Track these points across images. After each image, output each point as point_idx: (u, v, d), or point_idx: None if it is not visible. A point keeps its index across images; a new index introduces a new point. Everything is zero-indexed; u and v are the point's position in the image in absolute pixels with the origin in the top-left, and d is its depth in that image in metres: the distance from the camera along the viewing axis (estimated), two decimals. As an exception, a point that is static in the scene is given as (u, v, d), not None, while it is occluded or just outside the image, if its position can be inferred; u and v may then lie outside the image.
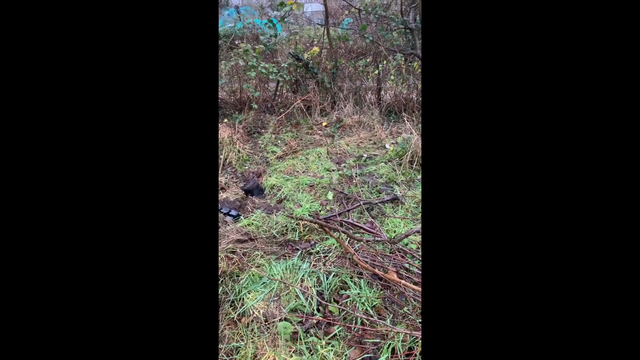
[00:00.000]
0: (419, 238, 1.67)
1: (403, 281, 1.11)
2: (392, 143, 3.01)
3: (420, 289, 1.09)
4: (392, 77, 3.65)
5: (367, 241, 1.46)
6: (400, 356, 1.08)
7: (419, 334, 1.08)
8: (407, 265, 1.46)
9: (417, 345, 1.09)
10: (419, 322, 1.20)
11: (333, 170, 2.59)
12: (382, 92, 3.85)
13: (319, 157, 2.83)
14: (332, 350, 1.13)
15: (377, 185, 2.34)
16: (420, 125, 3.16)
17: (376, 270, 1.32)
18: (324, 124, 3.54)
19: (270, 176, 2.48)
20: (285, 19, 3.52)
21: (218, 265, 1.46)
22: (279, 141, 3.18)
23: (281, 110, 3.64)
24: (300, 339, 1.18)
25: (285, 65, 3.54)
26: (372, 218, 1.96)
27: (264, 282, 1.46)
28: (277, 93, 3.94)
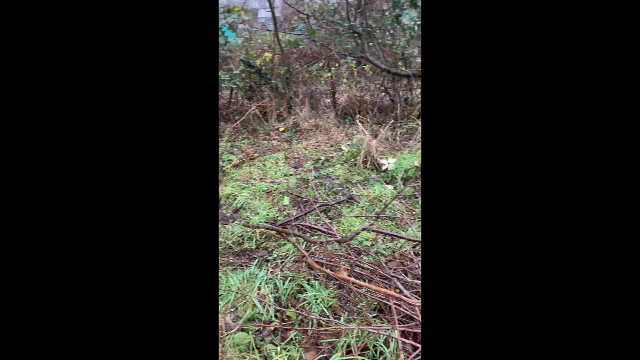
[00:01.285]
0: (372, 235, 1.73)
1: (352, 278, 1.14)
2: (348, 145, 3.08)
3: (368, 284, 1.13)
4: (345, 80, 3.75)
5: (321, 242, 1.49)
6: (355, 351, 1.11)
7: (370, 328, 1.12)
8: (365, 263, 1.51)
9: (368, 339, 1.13)
10: (372, 317, 1.24)
11: (291, 175, 2.60)
12: (337, 96, 3.94)
13: (277, 162, 2.83)
14: (287, 355, 1.13)
15: (333, 187, 2.38)
16: (373, 127, 3.27)
17: (328, 271, 1.35)
18: (281, 129, 3.55)
19: (225, 185, 2.44)
20: (241, 25, 3.49)
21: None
22: (235, 149, 3.13)
23: (236, 117, 3.59)
24: (256, 347, 1.17)
25: (237, 72, 3.50)
26: (329, 219, 1.99)
27: (220, 295, 1.43)
28: (232, 100, 3.88)
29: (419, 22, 3.25)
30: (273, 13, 3.42)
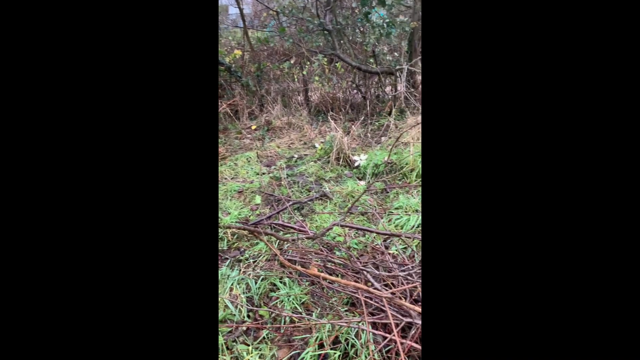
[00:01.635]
0: (345, 230, 1.75)
1: (322, 274, 1.15)
2: (321, 142, 3.09)
3: (339, 279, 1.15)
4: (317, 78, 3.75)
5: (293, 240, 1.49)
6: (326, 344, 1.12)
7: (341, 322, 1.14)
8: (337, 259, 1.52)
9: (341, 332, 1.14)
10: (344, 311, 1.26)
11: (263, 173, 2.58)
12: (309, 93, 3.93)
13: (249, 161, 2.79)
14: (259, 354, 1.13)
15: (307, 184, 2.38)
16: (345, 124, 3.30)
17: (299, 267, 1.36)
18: (253, 127, 3.50)
19: (196, 186, 2.37)
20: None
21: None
22: (206, 149, 3.05)
23: (207, 116, 3.50)
24: (227, 349, 1.16)
25: (206, 69, 3.41)
26: (303, 216, 1.99)
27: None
28: (202, 99, 3.77)
29: (388, 20, 3.31)
30: (240, 9, 3.36)
